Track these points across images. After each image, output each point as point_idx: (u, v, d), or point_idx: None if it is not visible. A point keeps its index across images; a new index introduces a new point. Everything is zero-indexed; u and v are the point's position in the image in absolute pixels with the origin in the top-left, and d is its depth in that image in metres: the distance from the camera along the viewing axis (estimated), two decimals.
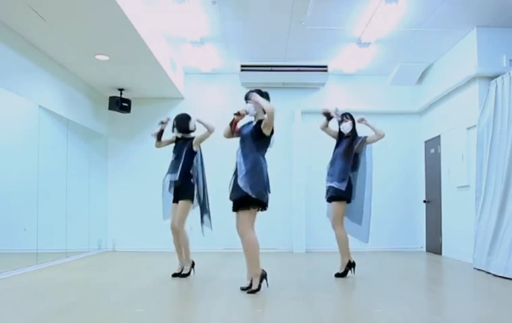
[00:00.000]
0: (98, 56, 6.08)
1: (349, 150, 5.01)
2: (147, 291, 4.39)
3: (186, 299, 4.29)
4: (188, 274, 5.07)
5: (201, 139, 5.09)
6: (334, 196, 5.00)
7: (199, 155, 5.19)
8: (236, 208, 4.10)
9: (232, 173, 4.17)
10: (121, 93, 7.63)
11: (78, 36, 5.42)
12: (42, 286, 4.57)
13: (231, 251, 7.06)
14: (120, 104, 7.54)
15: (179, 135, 5.16)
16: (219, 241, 7.54)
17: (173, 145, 5.21)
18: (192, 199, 5.05)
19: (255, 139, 4.10)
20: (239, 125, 4.21)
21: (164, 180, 5.17)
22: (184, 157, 5.02)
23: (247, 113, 4.16)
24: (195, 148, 5.10)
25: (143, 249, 7.75)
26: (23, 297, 4.03)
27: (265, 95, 4.20)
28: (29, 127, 5.85)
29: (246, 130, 4.19)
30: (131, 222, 7.96)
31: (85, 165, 7.45)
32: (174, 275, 5.04)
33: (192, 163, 5.09)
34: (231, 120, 4.17)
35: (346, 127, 5.09)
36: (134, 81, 7.28)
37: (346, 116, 5.14)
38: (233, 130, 4.17)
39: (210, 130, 4.99)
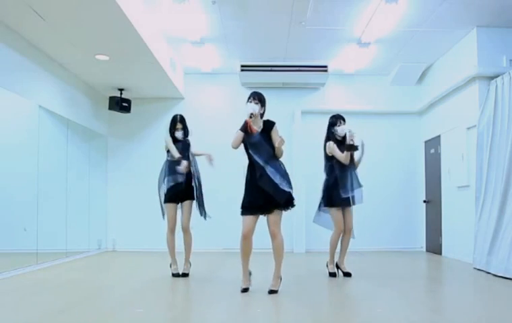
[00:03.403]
0: (98, 56, 6.08)
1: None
2: (147, 291, 4.39)
3: (186, 299, 4.29)
4: (188, 273, 5.09)
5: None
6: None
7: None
8: (271, 209, 4.07)
9: (249, 177, 4.12)
10: (121, 93, 7.63)
11: (78, 36, 5.42)
12: (42, 286, 4.57)
13: (231, 251, 7.06)
14: (120, 104, 7.54)
15: (180, 136, 5.13)
16: (219, 241, 7.56)
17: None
18: (193, 198, 5.09)
19: (270, 145, 4.11)
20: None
21: (161, 181, 5.16)
22: (187, 159, 5.03)
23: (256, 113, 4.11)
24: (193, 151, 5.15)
25: (143, 249, 7.75)
26: (23, 297, 4.03)
27: (263, 101, 4.17)
28: (29, 127, 5.85)
29: (258, 137, 4.10)
30: (130, 222, 7.96)
31: (85, 165, 7.45)
32: (174, 275, 5.06)
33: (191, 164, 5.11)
34: (243, 125, 4.06)
35: (341, 130, 5.09)
36: (134, 81, 7.28)
37: (341, 120, 5.14)
38: (251, 133, 4.05)
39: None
